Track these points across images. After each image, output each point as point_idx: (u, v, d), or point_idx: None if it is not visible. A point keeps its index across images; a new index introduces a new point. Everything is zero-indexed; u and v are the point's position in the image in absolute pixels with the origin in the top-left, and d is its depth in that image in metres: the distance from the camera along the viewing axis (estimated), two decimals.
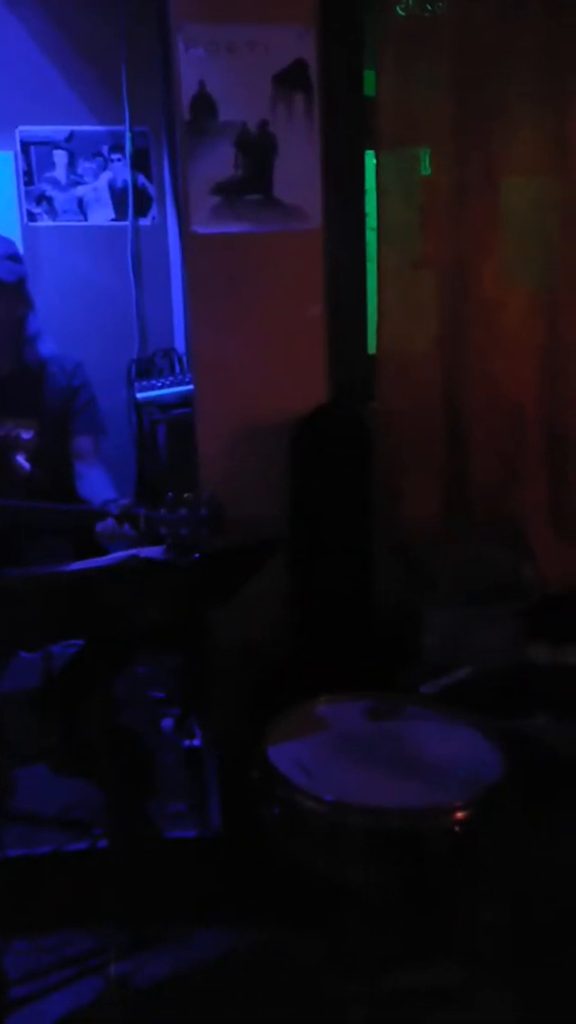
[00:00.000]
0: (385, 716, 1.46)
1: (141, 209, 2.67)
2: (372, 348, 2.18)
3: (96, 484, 2.03)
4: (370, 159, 2.12)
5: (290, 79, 1.94)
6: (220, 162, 1.96)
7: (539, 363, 2.16)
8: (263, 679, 1.99)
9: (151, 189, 2.68)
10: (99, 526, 1.70)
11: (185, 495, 1.61)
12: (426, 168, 2.14)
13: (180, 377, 2.47)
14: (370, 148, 2.09)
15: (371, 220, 2.16)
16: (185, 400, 2.35)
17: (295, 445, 2.08)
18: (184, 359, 2.62)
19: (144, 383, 2.48)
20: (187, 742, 2.19)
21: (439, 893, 1.29)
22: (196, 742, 2.20)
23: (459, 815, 1.20)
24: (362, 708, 1.51)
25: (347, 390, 2.14)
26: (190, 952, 1.70)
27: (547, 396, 2.15)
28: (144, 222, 2.69)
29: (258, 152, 1.97)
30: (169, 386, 2.41)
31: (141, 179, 2.67)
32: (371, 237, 2.16)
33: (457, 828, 1.20)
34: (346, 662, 1.87)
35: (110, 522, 1.67)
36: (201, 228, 1.98)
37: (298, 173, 1.99)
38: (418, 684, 1.57)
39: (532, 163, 2.10)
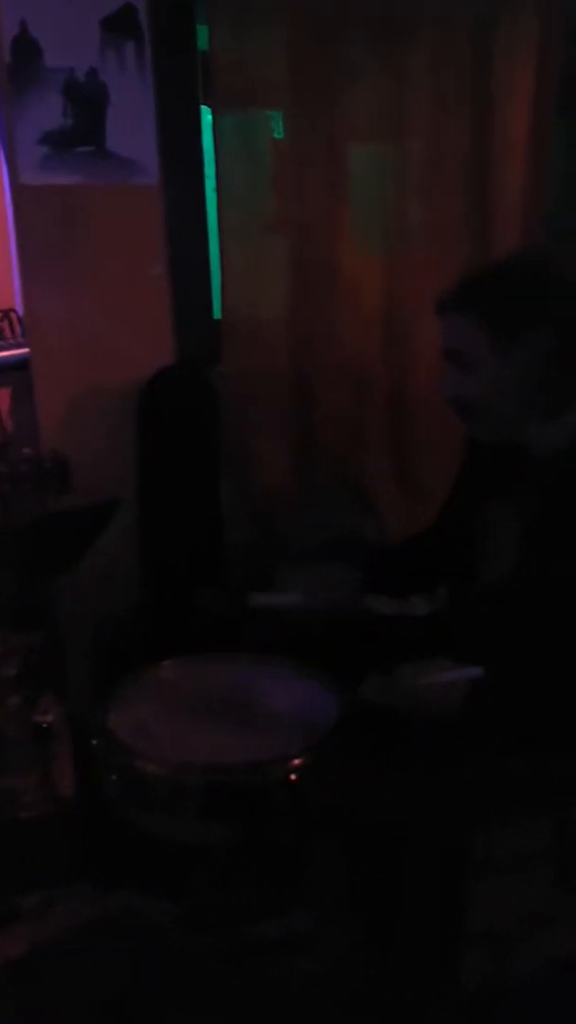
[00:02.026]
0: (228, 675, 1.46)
1: None
2: (218, 309, 2.15)
3: None
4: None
5: (119, 24, 1.86)
6: (48, 110, 1.87)
7: (383, 328, 2.20)
8: (116, 647, 1.95)
9: None
10: None
11: (25, 450, 1.57)
12: (278, 131, 2.12)
13: (20, 340, 2.35)
14: (207, 105, 2.05)
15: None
16: (26, 363, 2.24)
17: (142, 408, 2.04)
18: None
19: None
20: (40, 719, 2.13)
21: (283, 843, 1.31)
22: (49, 718, 2.14)
23: (295, 762, 1.22)
24: (206, 668, 1.51)
25: (194, 352, 2.11)
26: (45, 929, 1.66)
27: (390, 360, 2.20)
28: None
29: (89, 101, 1.89)
30: (8, 349, 2.29)
31: None
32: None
33: (294, 776, 1.21)
34: (198, 624, 1.86)
35: None
36: (30, 179, 1.88)
37: (132, 126, 1.93)
38: (265, 643, 1.58)
39: (372, 131, 2.13)
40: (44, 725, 1.94)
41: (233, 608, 1.56)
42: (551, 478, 1.28)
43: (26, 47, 1.83)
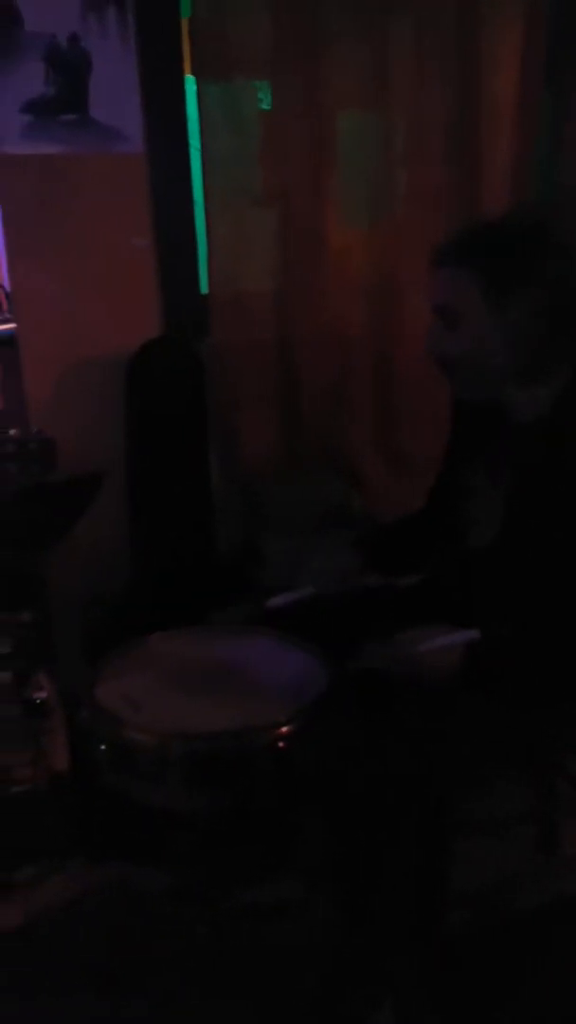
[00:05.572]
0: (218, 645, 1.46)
1: None
2: (204, 281, 2.13)
3: None
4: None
5: None
6: (30, 78, 1.84)
7: (369, 299, 2.19)
8: (106, 621, 1.95)
9: None
10: None
11: (11, 430, 1.55)
12: (266, 102, 2.09)
13: (6, 315, 2.33)
14: (191, 74, 2.01)
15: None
16: (13, 338, 2.23)
17: (129, 381, 2.02)
18: None
19: None
20: (34, 695, 2.13)
21: (270, 809, 1.32)
22: (43, 694, 2.15)
23: (283, 729, 1.22)
24: (195, 641, 1.51)
25: (181, 324, 2.09)
26: (38, 901, 1.68)
27: (377, 332, 2.19)
28: None
29: (71, 69, 1.86)
30: None
31: None
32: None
33: (282, 744, 1.22)
34: (187, 598, 1.86)
35: None
36: (12, 148, 1.86)
37: (116, 93, 1.90)
38: (254, 615, 1.58)
39: (359, 98, 2.10)
40: (37, 701, 1.95)
41: (252, 616, 1.54)
42: (533, 444, 1.27)
43: (6, 13, 1.79)
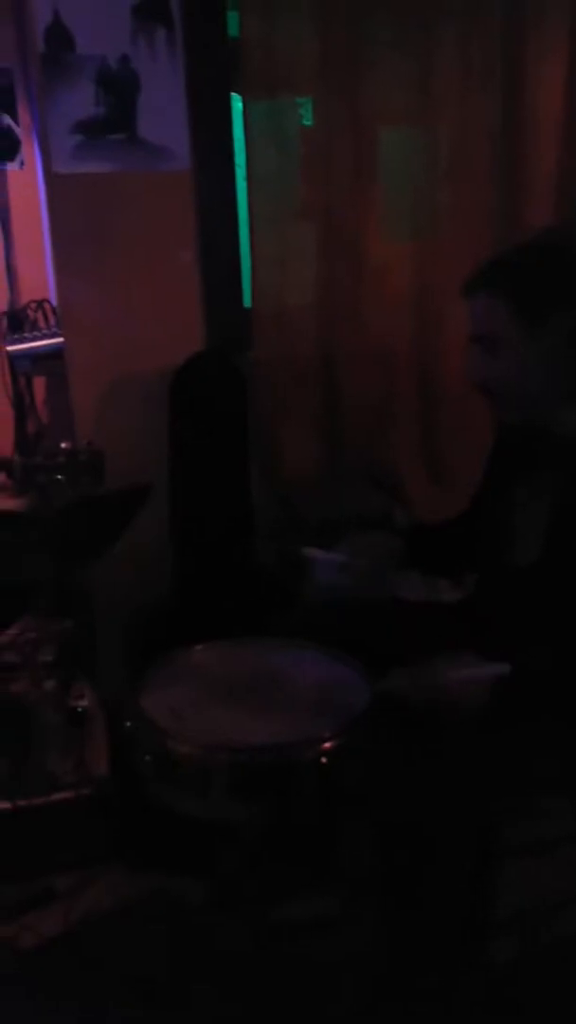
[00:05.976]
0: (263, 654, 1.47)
1: (7, 152, 2.54)
2: (248, 296, 2.15)
3: None
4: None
5: (150, 11, 1.87)
6: (81, 98, 1.88)
7: (411, 312, 2.19)
8: (147, 630, 1.97)
9: (17, 131, 2.55)
10: None
11: (62, 444, 1.59)
12: (307, 118, 2.12)
13: (54, 330, 2.39)
14: (237, 92, 2.04)
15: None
16: (60, 352, 2.28)
17: (173, 394, 2.05)
18: None
19: (15, 336, 2.39)
20: (76, 703, 2.16)
21: (311, 824, 1.32)
22: (85, 702, 2.17)
23: (325, 745, 1.22)
24: (239, 652, 1.51)
25: (224, 338, 2.11)
26: (79, 908, 1.69)
27: (418, 345, 2.19)
28: (12, 166, 2.55)
29: (120, 89, 1.90)
30: (41, 338, 2.33)
31: (6, 120, 2.53)
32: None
33: (324, 758, 1.22)
34: (228, 609, 1.88)
35: None
36: (63, 167, 1.90)
37: (163, 113, 1.94)
38: (296, 629, 1.58)
39: (401, 113, 2.11)
40: (79, 709, 1.97)
41: (287, 559, 1.55)
42: None
43: (59, 36, 1.84)
